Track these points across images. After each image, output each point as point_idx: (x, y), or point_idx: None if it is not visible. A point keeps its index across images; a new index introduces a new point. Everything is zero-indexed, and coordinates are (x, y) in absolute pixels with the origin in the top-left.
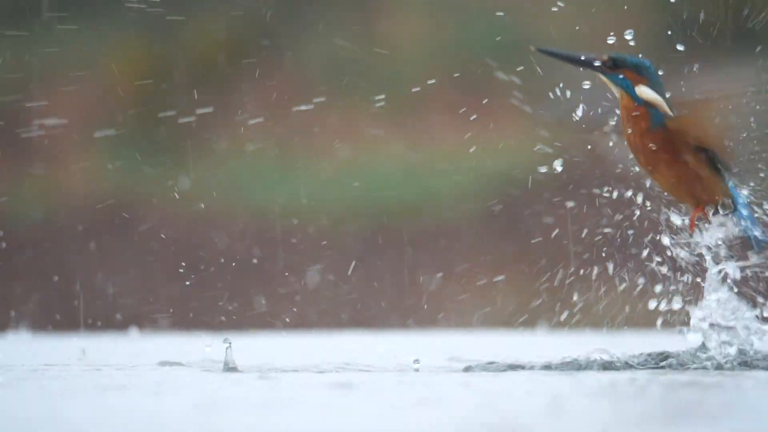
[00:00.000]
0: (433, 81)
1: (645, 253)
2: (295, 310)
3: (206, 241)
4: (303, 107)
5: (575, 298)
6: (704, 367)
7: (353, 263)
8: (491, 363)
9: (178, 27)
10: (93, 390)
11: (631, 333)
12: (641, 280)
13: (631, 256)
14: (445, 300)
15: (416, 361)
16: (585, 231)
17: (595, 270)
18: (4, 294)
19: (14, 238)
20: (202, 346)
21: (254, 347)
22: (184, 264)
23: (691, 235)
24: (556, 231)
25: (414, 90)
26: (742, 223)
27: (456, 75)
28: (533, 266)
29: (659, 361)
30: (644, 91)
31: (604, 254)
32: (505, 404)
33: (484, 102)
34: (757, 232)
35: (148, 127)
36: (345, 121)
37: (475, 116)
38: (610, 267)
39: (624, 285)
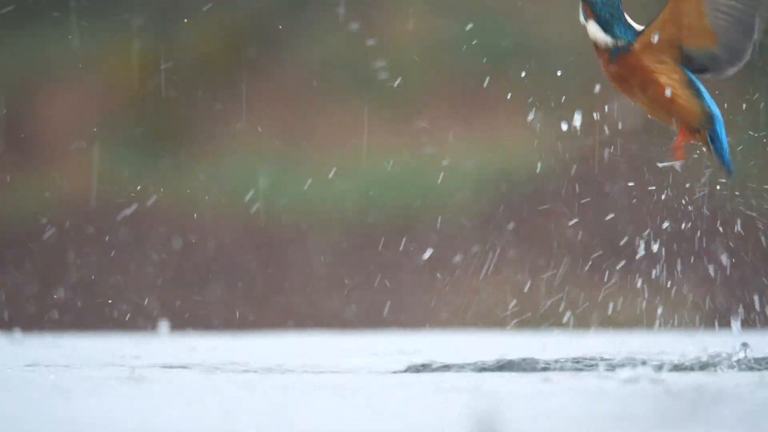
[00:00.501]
0: (433, 81)
1: (642, 251)
2: (282, 310)
3: (203, 242)
4: (302, 109)
5: (576, 297)
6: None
7: (346, 263)
8: (502, 360)
9: (175, 27)
10: (70, 390)
11: (626, 333)
12: (641, 280)
13: (626, 257)
14: (443, 299)
15: None
16: (581, 233)
17: (592, 269)
18: None
19: (5, 237)
20: (185, 348)
21: (243, 348)
22: (175, 264)
23: (679, 165)
24: (555, 231)
25: (414, 90)
26: (717, 143)
27: (457, 74)
28: (532, 266)
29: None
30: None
31: (598, 256)
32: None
33: (483, 102)
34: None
35: (145, 127)
36: (344, 121)
37: (474, 116)
38: (610, 268)
39: (627, 285)
